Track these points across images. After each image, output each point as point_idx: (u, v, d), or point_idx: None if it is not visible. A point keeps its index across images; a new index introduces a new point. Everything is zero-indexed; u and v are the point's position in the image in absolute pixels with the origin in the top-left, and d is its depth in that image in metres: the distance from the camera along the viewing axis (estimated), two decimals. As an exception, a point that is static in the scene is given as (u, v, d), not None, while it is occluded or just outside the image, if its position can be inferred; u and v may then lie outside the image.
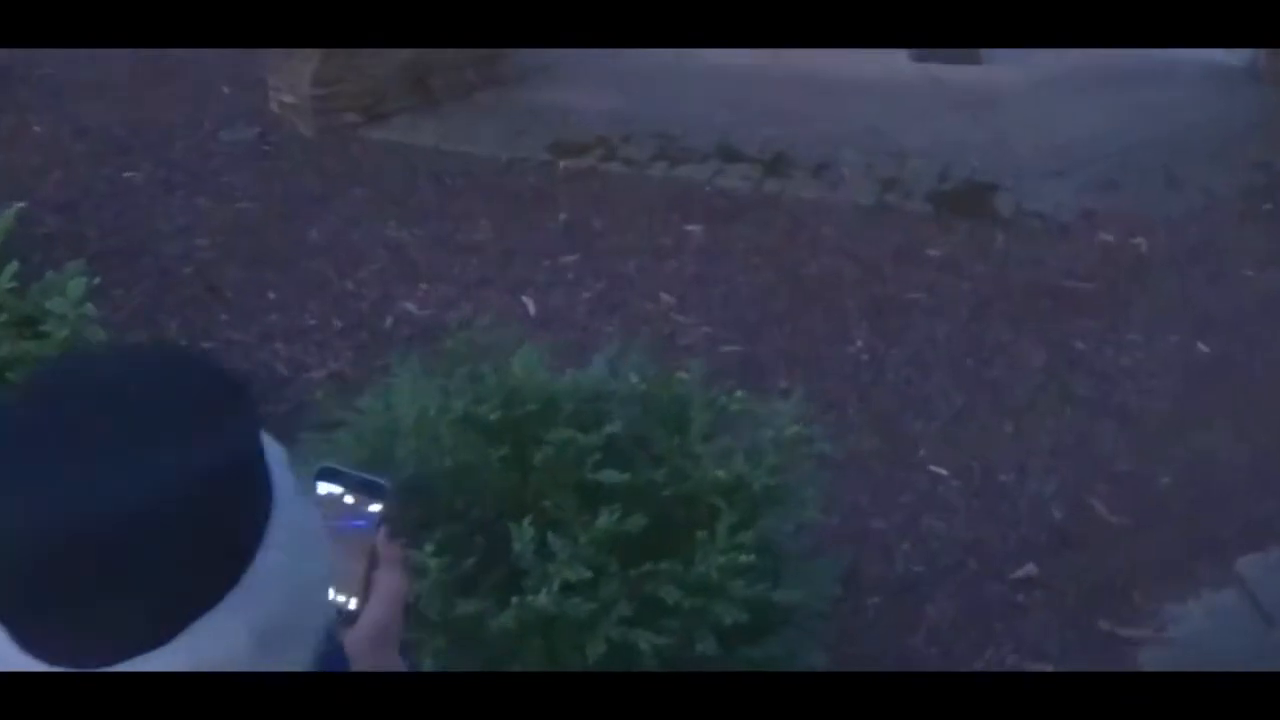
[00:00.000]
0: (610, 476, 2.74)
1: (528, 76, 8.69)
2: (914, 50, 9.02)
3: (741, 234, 6.73)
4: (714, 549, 2.78)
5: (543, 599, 2.61)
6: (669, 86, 8.68)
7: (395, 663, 1.59)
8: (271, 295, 6.04)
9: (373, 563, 1.58)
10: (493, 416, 2.75)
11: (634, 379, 3.01)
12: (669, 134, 7.85)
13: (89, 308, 4.35)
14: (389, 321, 5.85)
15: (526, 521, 2.70)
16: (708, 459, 2.88)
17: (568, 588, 2.65)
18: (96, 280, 4.86)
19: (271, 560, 1.18)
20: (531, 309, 5.94)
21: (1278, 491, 4.84)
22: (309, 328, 5.80)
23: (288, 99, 8.00)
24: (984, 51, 8.97)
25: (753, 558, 2.76)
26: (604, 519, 2.73)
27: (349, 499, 1.56)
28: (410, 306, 5.96)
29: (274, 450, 1.27)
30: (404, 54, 8.02)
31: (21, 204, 6.53)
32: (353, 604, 1.56)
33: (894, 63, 8.96)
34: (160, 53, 8.38)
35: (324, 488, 1.56)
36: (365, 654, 1.54)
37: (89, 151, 7.42)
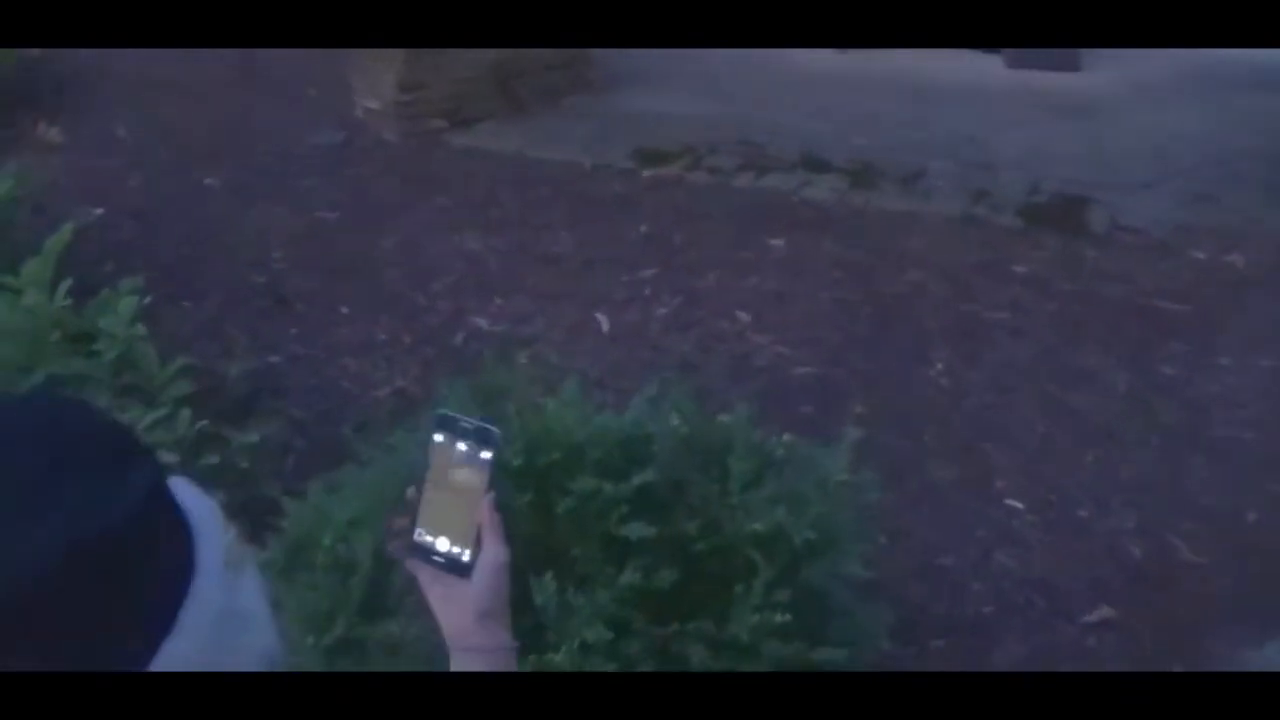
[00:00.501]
0: (637, 530, 2.62)
1: (615, 82, 8.61)
2: (1010, 55, 8.85)
3: (825, 248, 6.58)
4: (748, 606, 2.64)
5: (561, 657, 2.50)
6: (757, 92, 8.58)
7: (500, 638, 1.60)
8: (343, 309, 5.97)
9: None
10: (516, 463, 2.63)
11: (674, 420, 2.87)
12: (756, 142, 7.74)
13: (139, 327, 4.29)
14: (460, 338, 5.76)
15: (549, 575, 2.58)
16: (746, 510, 2.74)
17: (587, 647, 2.53)
18: (150, 297, 4.81)
19: (182, 649, 1.11)
20: (605, 326, 5.83)
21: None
22: (379, 343, 5.73)
23: (372, 104, 7.97)
24: (1081, 58, 8.78)
25: (789, 617, 2.62)
26: (628, 574, 2.60)
27: (462, 446, 1.61)
28: (482, 322, 5.87)
29: (201, 507, 1.20)
30: (489, 57, 7.97)
31: (99, 210, 6.57)
32: (466, 555, 1.60)
33: (989, 69, 8.80)
34: (244, 55, 8.40)
35: (439, 435, 1.62)
36: (470, 629, 1.57)
37: (170, 157, 7.42)
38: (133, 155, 7.43)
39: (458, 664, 1.57)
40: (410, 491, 1.64)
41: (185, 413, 4.10)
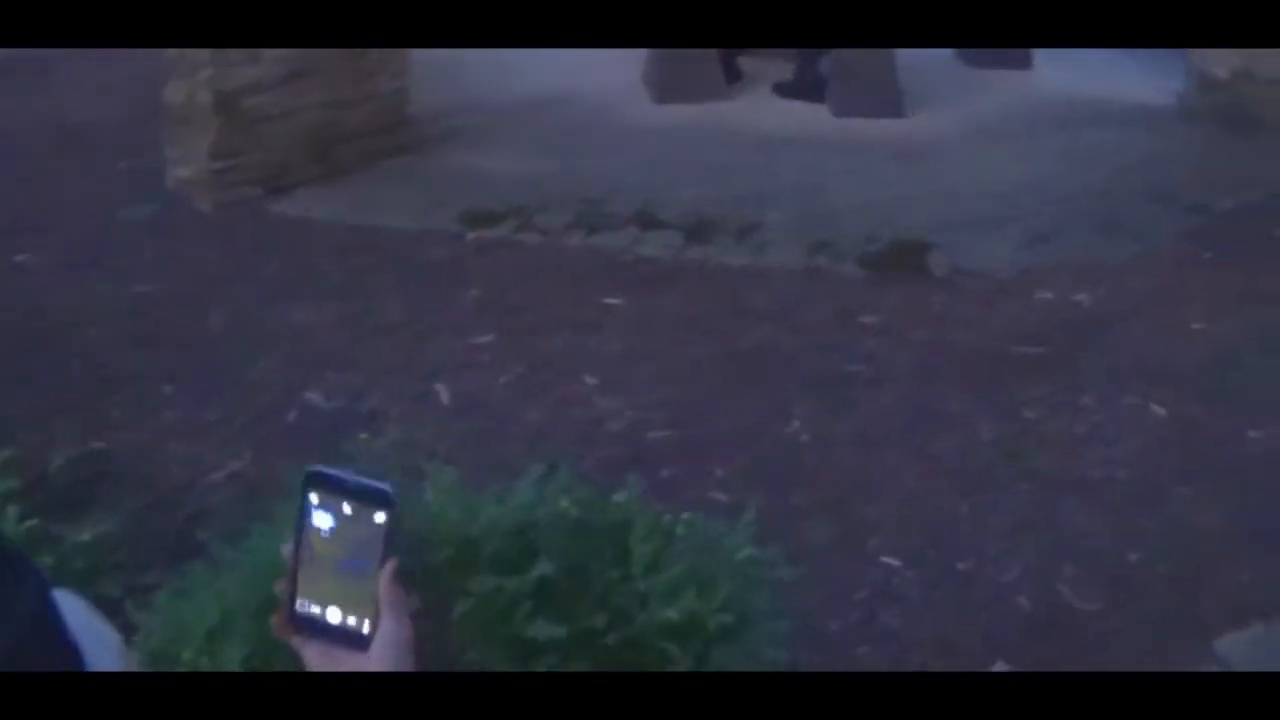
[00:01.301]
0: (545, 629, 2.37)
1: (437, 142, 8.37)
2: (835, 103, 8.82)
3: (666, 305, 6.42)
4: (664, 703, 2.41)
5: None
6: (583, 147, 8.39)
7: None
8: (168, 389, 5.61)
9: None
10: (403, 563, 2.36)
11: (564, 503, 2.63)
12: (587, 198, 7.53)
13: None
14: (293, 415, 5.44)
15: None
16: (654, 596, 2.51)
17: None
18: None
19: None
20: (445, 397, 5.56)
21: (1255, 561, 4.54)
22: (209, 424, 5.38)
23: (185, 173, 7.59)
24: (909, 103, 8.79)
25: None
26: (537, 679, 2.36)
27: (347, 508, 1.40)
28: (316, 398, 5.56)
29: (96, 632, 1.28)
30: (306, 123, 7.67)
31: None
32: (365, 627, 1.39)
33: (817, 118, 8.76)
34: (54, 123, 8.03)
35: (315, 495, 1.40)
36: None
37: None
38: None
39: None
40: (285, 549, 1.42)
41: (12, 510, 3.73)
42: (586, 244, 7.13)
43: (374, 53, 7.77)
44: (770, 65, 9.32)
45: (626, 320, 6.25)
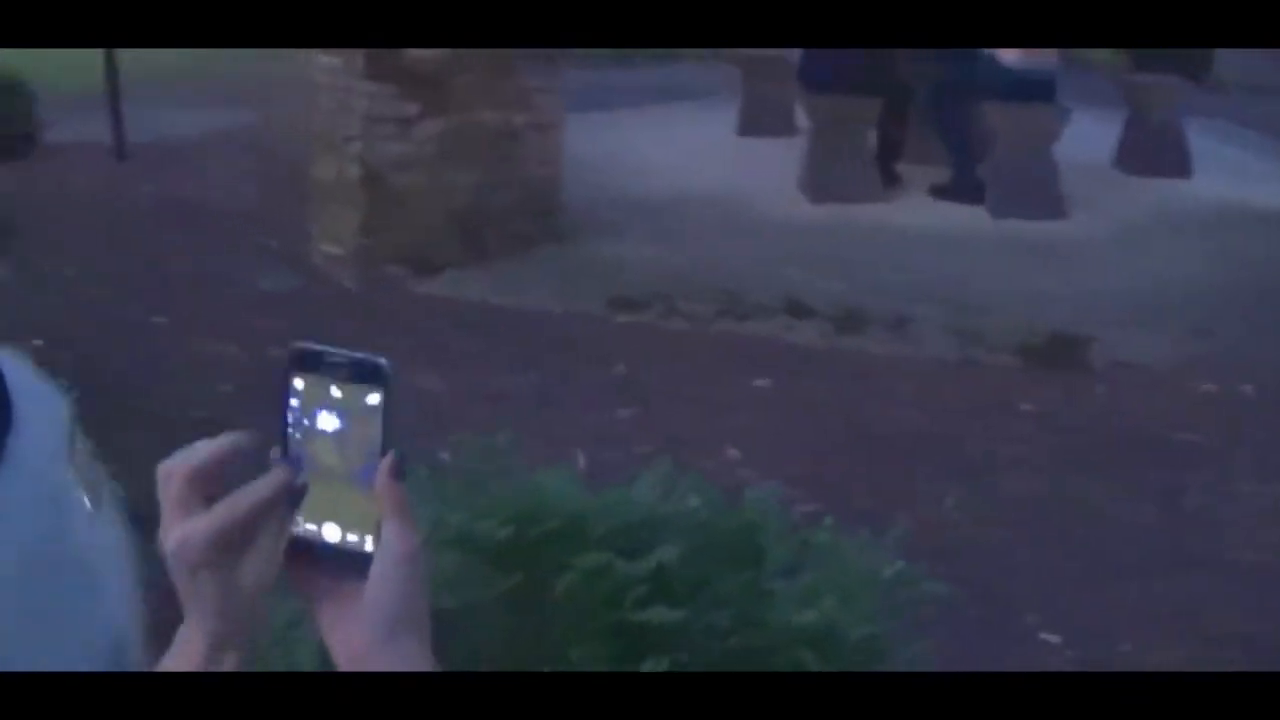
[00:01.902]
0: (660, 614, 2.07)
1: (583, 230, 8.23)
2: (994, 204, 8.62)
3: (814, 388, 6.21)
4: None
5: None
6: (729, 241, 8.23)
7: (418, 657, 1.11)
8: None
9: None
10: (501, 534, 2.08)
11: (693, 501, 2.36)
12: (732, 290, 7.36)
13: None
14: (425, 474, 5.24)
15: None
16: (788, 601, 2.22)
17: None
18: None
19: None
20: (581, 462, 5.33)
21: None
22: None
23: (332, 249, 7.55)
24: (1067, 205, 8.60)
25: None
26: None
27: (337, 391, 1.12)
28: (446, 458, 5.36)
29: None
30: (455, 203, 7.57)
31: (38, 341, 6.12)
32: (368, 544, 1.11)
33: (972, 218, 8.56)
34: (200, 202, 8.07)
35: (300, 379, 1.13)
36: (375, 649, 1.09)
37: (116, 294, 7.02)
38: (80, 291, 7.03)
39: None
40: (273, 454, 1.13)
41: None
42: (733, 331, 6.95)
43: (526, 135, 7.69)
44: (929, 170, 9.15)
45: (772, 400, 6.05)
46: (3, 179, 8.37)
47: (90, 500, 0.99)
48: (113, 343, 6.42)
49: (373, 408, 1.12)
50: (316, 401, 1.13)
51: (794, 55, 9.46)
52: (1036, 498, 5.19)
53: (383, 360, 1.13)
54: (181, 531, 1.09)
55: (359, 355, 1.14)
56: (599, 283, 7.44)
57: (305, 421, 1.14)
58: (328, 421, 1.13)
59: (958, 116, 8.82)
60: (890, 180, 9.19)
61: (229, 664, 1.09)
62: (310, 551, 1.13)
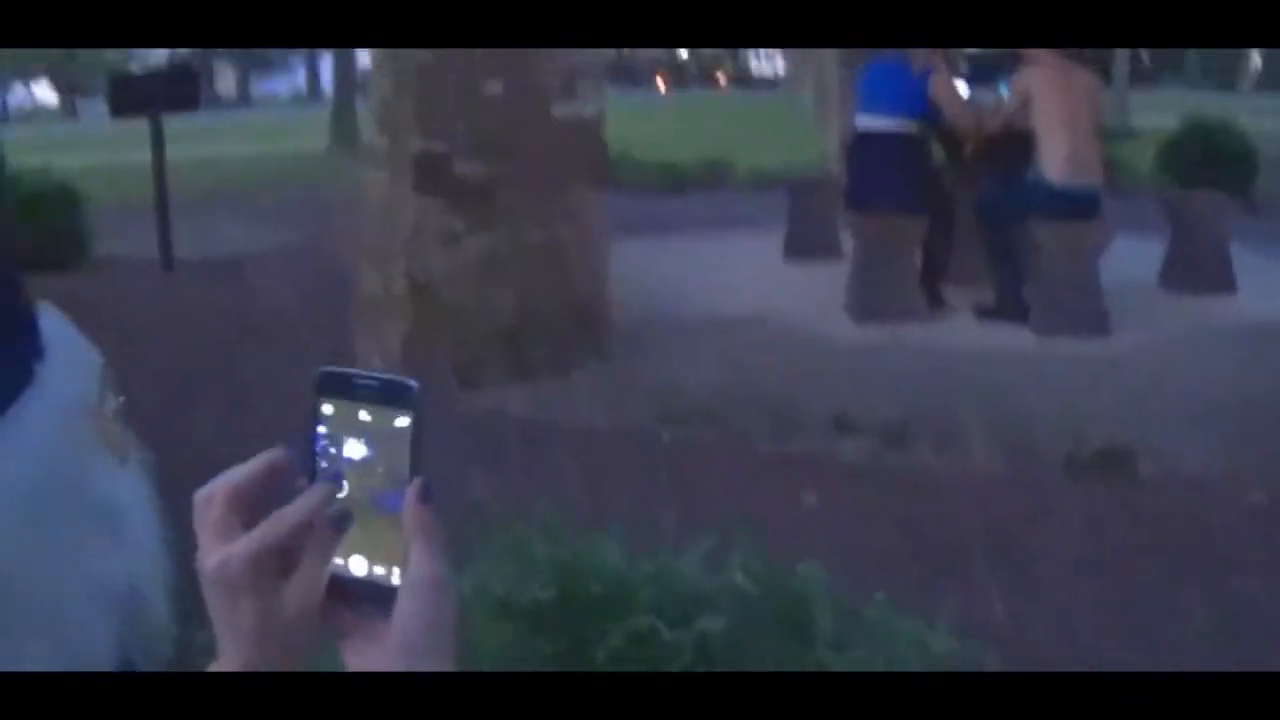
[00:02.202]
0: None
1: (628, 349, 8.24)
2: (1038, 322, 8.60)
3: (864, 500, 6.17)
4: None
5: None
6: (774, 360, 8.23)
7: None
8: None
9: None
10: (543, 596, 2.03)
11: (739, 577, 2.30)
12: (779, 408, 7.33)
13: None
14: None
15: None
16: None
17: None
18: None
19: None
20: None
21: None
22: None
23: (376, 363, 7.55)
24: (1109, 322, 8.60)
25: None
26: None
27: (365, 415, 1.09)
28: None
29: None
30: (500, 320, 7.59)
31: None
32: (395, 577, 1.07)
33: (1015, 336, 8.57)
34: (245, 317, 8.10)
35: (329, 405, 1.10)
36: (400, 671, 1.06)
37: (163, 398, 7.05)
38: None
39: None
40: (300, 483, 1.10)
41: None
42: (781, 449, 6.91)
43: (572, 251, 7.72)
44: (973, 291, 9.16)
45: (821, 512, 6.00)
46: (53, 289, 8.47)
47: (117, 455, 0.97)
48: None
49: (401, 431, 1.09)
50: (344, 427, 1.10)
51: (839, 176, 9.53)
52: (1087, 599, 5.15)
53: (413, 382, 1.10)
54: (223, 553, 1.06)
55: (388, 376, 1.11)
56: (644, 401, 7.42)
57: (333, 449, 1.11)
58: (355, 449, 1.10)
59: (1003, 235, 8.83)
60: (934, 301, 9.18)
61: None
62: (337, 586, 1.09)
